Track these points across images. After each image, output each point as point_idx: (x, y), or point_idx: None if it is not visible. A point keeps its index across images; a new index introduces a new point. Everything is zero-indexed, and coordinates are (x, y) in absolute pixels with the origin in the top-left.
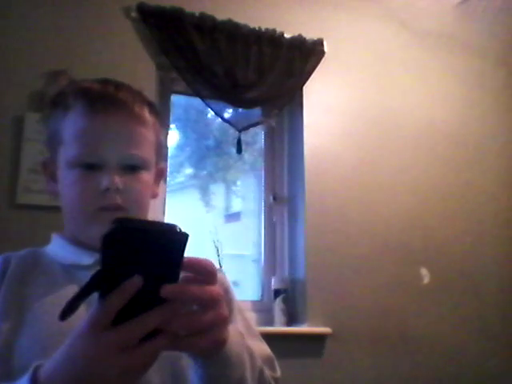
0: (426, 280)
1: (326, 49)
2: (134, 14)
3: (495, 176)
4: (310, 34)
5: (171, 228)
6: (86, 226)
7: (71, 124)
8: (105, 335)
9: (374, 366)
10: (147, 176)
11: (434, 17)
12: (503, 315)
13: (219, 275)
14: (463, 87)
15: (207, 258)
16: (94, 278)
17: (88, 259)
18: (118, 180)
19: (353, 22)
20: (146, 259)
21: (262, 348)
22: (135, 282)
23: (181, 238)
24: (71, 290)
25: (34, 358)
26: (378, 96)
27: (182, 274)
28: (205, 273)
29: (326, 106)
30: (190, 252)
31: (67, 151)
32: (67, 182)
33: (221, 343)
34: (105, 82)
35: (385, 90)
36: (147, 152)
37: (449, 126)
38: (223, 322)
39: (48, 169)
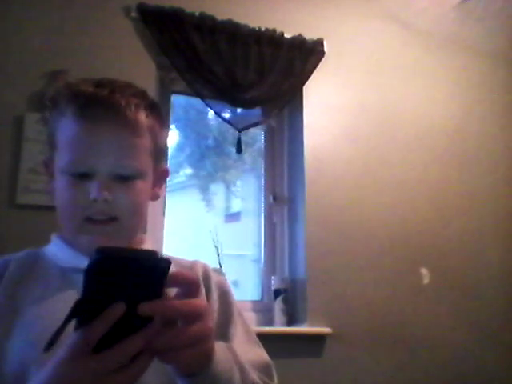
0: (426, 280)
1: (325, 49)
2: (134, 14)
3: (495, 176)
4: (310, 34)
5: (153, 255)
6: (74, 235)
7: (63, 130)
8: (88, 362)
9: (373, 366)
10: (142, 184)
11: (434, 17)
12: (504, 315)
13: (219, 278)
14: (463, 87)
15: (191, 272)
16: (76, 307)
17: (83, 263)
18: (107, 191)
19: (353, 21)
20: (129, 287)
21: (260, 355)
22: (117, 308)
23: (162, 265)
24: (67, 295)
25: (26, 363)
26: (377, 96)
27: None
28: (188, 284)
29: (326, 106)
30: (189, 252)
31: (59, 158)
32: (59, 187)
33: (207, 356)
34: (99, 83)
35: (385, 90)
36: (141, 161)
37: (449, 126)
38: (208, 334)
39: (48, 168)
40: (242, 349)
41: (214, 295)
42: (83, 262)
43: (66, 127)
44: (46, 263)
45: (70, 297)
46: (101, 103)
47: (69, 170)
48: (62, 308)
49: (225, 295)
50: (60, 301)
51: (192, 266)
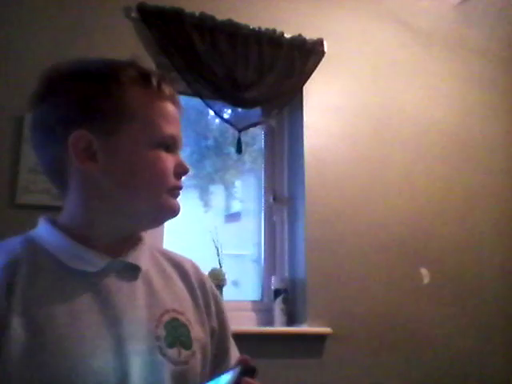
0: (426, 280)
1: (325, 49)
2: (134, 14)
3: (495, 175)
4: (310, 34)
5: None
6: (161, 200)
7: (148, 104)
8: None
9: (373, 366)
10: None
11: (434, 17)
12: (504, 315)
13: (209, 280)
14: (463, 87)
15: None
16: None
17: (99, 263)
18: None
19: (353, 21)
20: None
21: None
22: None
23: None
24: (85, 300)
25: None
26: (377, 96)
27: None
28: None
29: (326, 106)
30: (189, 252)
31: (148, 130)
32: (145, 160)
33: None
34: (144, 69)
35: (385, 90)
36: None
37: (449, 126)
38: None
39: (87, 147)
40: (234, 357)
41: (212, 303)
42: (95, 263)
43: (150, 102)
44: (50, 262)
45: (86, 302)
46: (168, 85)
47: (166, 143)
48: (91, 324)
49: (218, 301)
50: (79, 312)
51: (181, 261)
